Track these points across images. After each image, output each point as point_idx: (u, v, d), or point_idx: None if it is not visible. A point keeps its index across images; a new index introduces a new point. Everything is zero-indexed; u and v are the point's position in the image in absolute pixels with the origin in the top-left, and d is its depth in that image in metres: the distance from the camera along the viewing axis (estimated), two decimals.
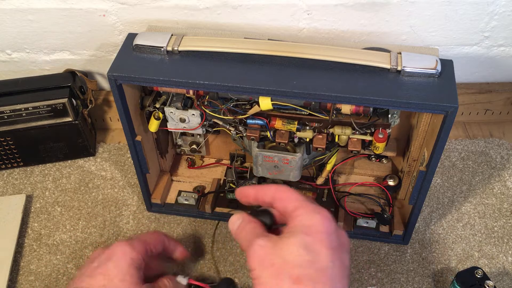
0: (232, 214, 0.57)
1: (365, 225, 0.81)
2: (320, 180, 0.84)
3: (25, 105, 0.84)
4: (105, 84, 0.95)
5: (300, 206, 0.53)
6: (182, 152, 0.92)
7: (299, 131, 0.71)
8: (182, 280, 0.69)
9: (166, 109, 0.75)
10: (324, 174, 0.82)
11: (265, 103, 0.68)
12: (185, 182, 0.90)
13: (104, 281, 0.60)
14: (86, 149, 0.93)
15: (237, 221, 0.56)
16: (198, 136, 0.87)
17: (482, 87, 0.94)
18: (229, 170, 0.88)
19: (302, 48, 0.66)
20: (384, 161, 0.85)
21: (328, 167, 0.81)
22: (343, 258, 0.51)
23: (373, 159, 0.85)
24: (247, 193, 0.59)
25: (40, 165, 0.93)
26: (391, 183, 0.83)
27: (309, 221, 0.51)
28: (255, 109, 0.70)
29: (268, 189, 0.56)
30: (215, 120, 0.75)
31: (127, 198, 0.88)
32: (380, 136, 0.69)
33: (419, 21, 0.80)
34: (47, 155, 0.92)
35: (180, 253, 0.72)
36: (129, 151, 0.78)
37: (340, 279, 0.49)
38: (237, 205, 0.84)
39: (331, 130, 0.71)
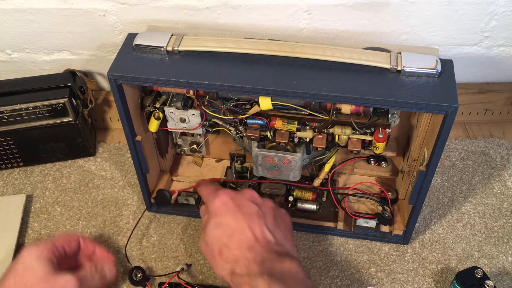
0: None
1: (365, 225, 0.81)
2: (317, 182, 0.83)
3: (25, 105, 0.84)
4: (105, 84, 0.95)
5: (207, 198, 0.69)
6: (182, 152, 0.92)
7: (299, 131, 0.71)
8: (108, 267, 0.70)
9: (166, 109, 0.75)
10: (322, 175, 0.82)
11: (265, 103, 0.68)
12: (185, 182, 0.90)
13: (14, 279, 0.62)
14: (86, 149, 0.93)
15: None
16: (198, 136, 0.87)
17: (482, 87, 0.94)
18: (229, 170, 0.88)
19: (302, 48, 0.66)
20: (384, 164, 0.85)
21: (326, 168, 0.80)
22: (247, 209, 0.65)
23: (372, 162, 0.85)
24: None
25: (40, 165, 0.93)
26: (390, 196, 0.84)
27: (212, 206, 0.67)
28: (255, 109, 0.70)
29: (199, 187, 0.74)
30: (215, 120, 0.75)
31: (127, 198, 0.88)
32: (380, 136, 0.69)
33: (419, 21, 0.80)
34: (47, 155, 0.92)
35: (100, 254, 0.73)
36: (129, 151, 0.78)
37: (247, 228, 0.63)
38: None
39: (331, 130, 0.71)
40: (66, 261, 0.70)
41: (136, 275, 0.75)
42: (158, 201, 0.83)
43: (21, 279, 0.62)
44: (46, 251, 0.65)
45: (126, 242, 0.81)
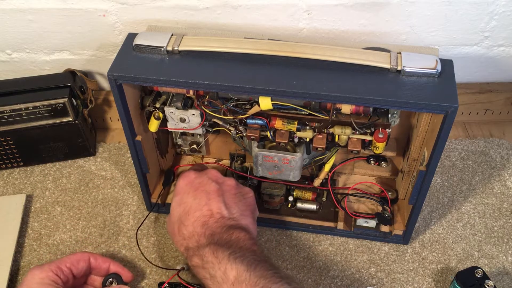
0: None
1: (365, 225, 0.81)
2: (317, 182, 0.83)
3: (25, 105, 0.84)
4: (105, 84, 0.95)
5: (177, 180, 0.75)
6: (182, 152, 0.92)
7: (299, 131, 0.71)
8: None
9: (166, 109, 0.75)
10: (322, 175, 0.82)
11: (265, 103, 0.68)
12: None
13: None
14: (86, 149, 0.93)
15: None
16: (198, 136, 0.87)
17: (482, 87, 0.94)
18: (229, 170, 0.88)
19: (302, 48, 0.66)
20: (384, 164, 0.85)
21: (326, 168, 0.80)
22: (207, 187, 0.70)
23: (372, 162, 0.85)
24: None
25: (40, 165, 0.93)
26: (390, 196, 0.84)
27: (177, 185, 0.73)
28: (255, 109, 0.70)
29: None
30: (215, 120, 0.75)
31: (127, 198, 0.88)
32: (380, 136, 0.69)
33: (419, 21, 0.80)
34: (47, 155, 0.92)
35: (116, 270, 0.72)
36: (129, 151, 0.78)
37: (204, 205, 0.68)
38: None
39: (331, 130, 0.71)
40: (76, 282, 0.69)
41: (111, 283, 0.71)
42: (164, 181, 0.85)
43: None
44: (50, 274, 0.65)
45: (136, 230, 0.82)
